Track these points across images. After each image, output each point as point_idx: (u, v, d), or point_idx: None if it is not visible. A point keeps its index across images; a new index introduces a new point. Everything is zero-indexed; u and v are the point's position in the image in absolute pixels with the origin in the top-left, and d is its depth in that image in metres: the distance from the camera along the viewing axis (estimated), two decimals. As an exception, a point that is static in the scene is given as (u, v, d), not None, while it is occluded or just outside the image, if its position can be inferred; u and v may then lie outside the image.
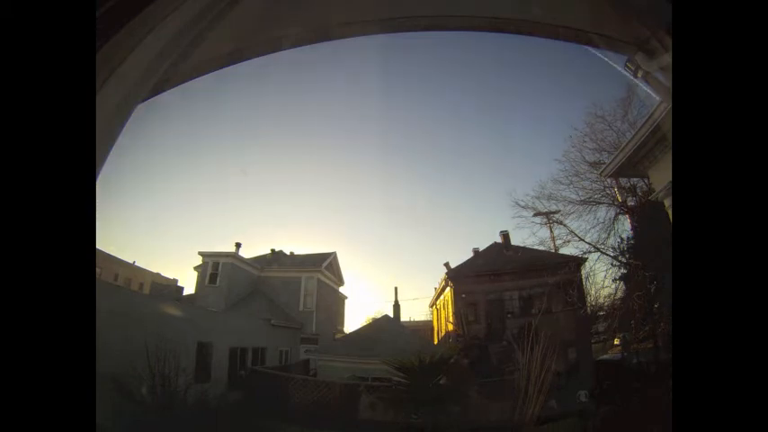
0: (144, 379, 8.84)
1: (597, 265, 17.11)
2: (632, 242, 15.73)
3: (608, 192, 16.80)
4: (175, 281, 21.43)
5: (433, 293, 23.12)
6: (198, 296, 18.20)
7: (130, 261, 21.95)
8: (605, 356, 15.17)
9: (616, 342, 15.92)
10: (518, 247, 18.91)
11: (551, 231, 17.87)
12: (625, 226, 16.38)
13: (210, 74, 2.03)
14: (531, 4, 2.17)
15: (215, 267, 18.48)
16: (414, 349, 11.36)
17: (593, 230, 17.03)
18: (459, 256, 22.74)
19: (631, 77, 2.12)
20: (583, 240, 17.14)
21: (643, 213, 14.35)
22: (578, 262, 17.05)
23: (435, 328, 22.76)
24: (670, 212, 5.83)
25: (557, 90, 25.00)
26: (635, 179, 14.53)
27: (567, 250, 17.71)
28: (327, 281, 21.87)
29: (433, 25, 2.41)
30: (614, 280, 16.34)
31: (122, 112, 1.30)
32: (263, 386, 13.17)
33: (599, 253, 16.77)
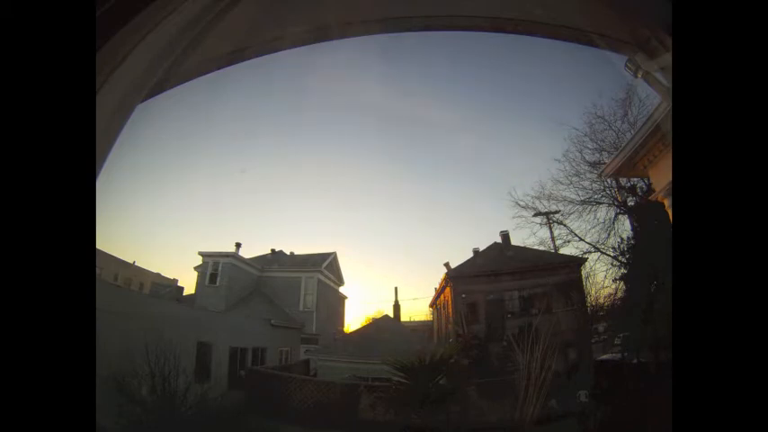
0: (144, 379, 8.84)
1: (597, 265, 17.19)
2: (632, 242, 15.76)
3: (608, 192, 16.87)
4: (175, 281, 21.37)
5: (433, 293, 23.11)
6: (198, 296, 18.17)
7: (130, 261, 21.93)
8: (605, 356, 15.18)
9: (616, 342, 15.92)
10: (518, 247, 18.91)
11: (551, 231, 17.93)
12: (625, 226, 16.44)
13: (210, 74, 2.03)
14: (532, 4, 2.17)
15: (215, 267, 18.46)
16: (414, 349, 11.35)
17: (593, 230, 17.13)
18: (460, 256, 22.69)
19: (631, 77, 2.12)
20: (583, 240, 17.23)
21: (643, 213, 14.37)
22: (578, 262, 17.06)
23: (435, 328, 22.75)
24: (670, 212, 5.84)
25: (557, 90, 24.93)
26: (635, 179, 14.57)
27: (567, 250, 17.78)
28: (327, 281, 21.85)
29: (433, 25, 2.41)
30: (614, 280, 16.41)
31: (122, 112, 1.30)
32: (263, 386, 13.16)
33: (599, 253, 16.85)
